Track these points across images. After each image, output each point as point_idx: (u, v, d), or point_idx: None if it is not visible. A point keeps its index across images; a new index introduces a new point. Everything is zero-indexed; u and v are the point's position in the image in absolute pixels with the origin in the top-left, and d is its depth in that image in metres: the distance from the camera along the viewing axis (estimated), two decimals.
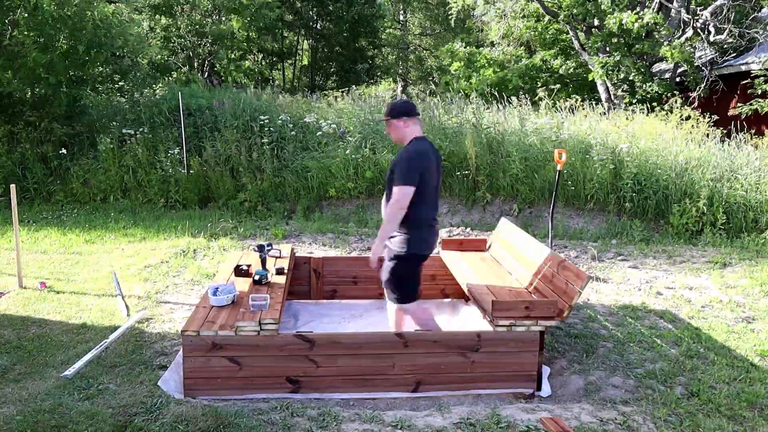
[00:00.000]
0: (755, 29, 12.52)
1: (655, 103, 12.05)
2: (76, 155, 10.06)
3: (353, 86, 14.49)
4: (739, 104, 11.89)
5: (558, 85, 11.81)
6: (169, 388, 3.82)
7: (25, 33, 9.00)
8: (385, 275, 4.11)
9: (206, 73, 15.54)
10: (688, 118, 10.33)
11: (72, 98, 10.15)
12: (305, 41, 23.80)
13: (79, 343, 4.50)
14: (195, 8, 15.06)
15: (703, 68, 13.01)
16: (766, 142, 9.56)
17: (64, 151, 9.97)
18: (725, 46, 13.00)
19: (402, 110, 4.04)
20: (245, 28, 16.73)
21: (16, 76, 9.18)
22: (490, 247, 5.72)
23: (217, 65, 16.08)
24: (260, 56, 21.18)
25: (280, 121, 10.08)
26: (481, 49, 18.40)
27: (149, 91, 11.61)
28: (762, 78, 11.40)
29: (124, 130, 10.02)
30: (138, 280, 6.06)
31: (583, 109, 10.53)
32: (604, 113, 10.84)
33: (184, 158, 9.76)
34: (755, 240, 7.93)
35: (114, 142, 9.79)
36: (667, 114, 10.53)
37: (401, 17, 28.09)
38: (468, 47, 17.71)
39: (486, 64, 16.99)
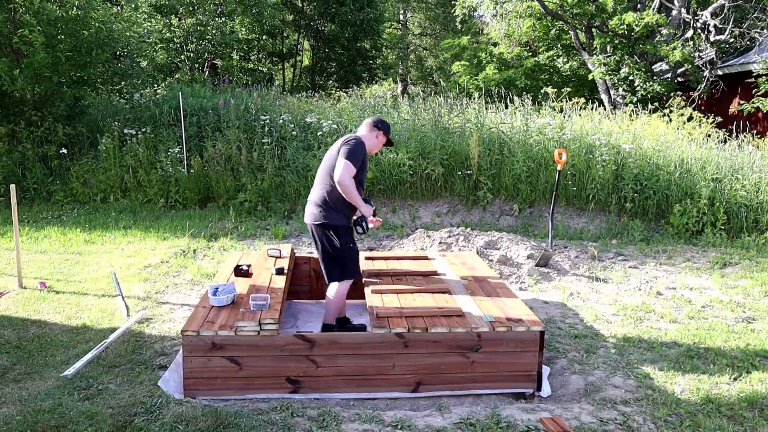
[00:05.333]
0: (756, 29, 12.51)
1: (656, 103, 12.06)
2: (76, 155, 10.05)
3: (354, 86, 14.49)
4: (741, 101, 11.88)
5: (569, 89, 11.79)
6: (169, 388, 3.82)
7: (30, 32, 9.00)
8: None
9: (206, 73, 15.54)
10: (690, 118, 10.32)
11: (74, 98, 10.15)
12: (306, 41, 23.79)
13: (79, 343, 4.50)
14: (197, 8, 15.05)
15: (703, 68, 13.01)
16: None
17: (64, 151, 9.96)
18: (725, 46, 12.99)
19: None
20: (248, 29, 16.72)
21: (21, 75, 9.18)
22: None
23: (219, 66, 16.07)
24: (262, 57, 21.17)
25: (281, 121, 10.08)
26: (485, 46, 18.42)
27: (149, 92, 11.60)
28: (765, 77, 11.39)
29: (125, 130, 10.02)
30: (138, 280, 6.06)
31: (586, 108, 10.52)
32: (608, 116, 10.83)
33: (185, 158, 9.75)
34: (756, 240, 7.92)
35: (115, 142, 9.79)
36: (667, 114, 10.52)
37: (401, 17, 28.08)
38: (470, 45, 17.74)
39: (490, 60, 16.99)
